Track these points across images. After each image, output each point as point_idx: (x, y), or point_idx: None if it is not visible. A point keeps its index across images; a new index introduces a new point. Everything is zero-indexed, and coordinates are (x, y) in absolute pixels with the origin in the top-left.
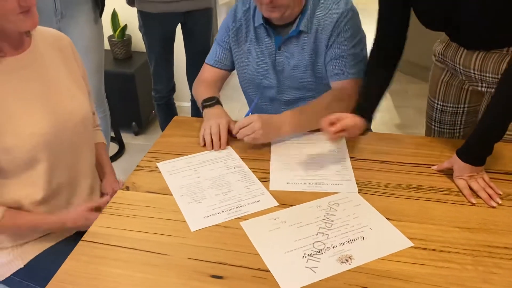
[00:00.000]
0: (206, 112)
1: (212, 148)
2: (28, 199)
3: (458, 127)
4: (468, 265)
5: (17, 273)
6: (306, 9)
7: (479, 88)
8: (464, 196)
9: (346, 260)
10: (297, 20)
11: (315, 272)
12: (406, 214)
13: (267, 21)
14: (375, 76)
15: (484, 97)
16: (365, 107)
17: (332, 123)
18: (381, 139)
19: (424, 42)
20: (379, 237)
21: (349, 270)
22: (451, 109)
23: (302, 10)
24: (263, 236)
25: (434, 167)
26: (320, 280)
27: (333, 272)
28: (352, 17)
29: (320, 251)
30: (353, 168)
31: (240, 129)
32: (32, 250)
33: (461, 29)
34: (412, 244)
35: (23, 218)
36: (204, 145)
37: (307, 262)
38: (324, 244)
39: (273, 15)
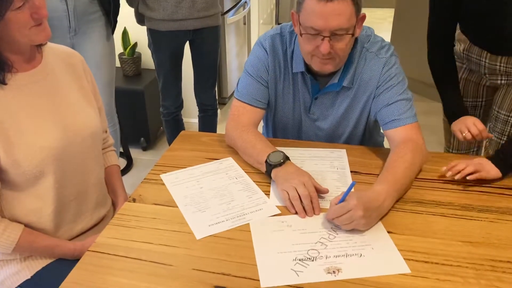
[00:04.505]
0: (280, 170)
1: (305, 215)
2: (38, 213)
3: None
4: (470, 279)
5: (24, 284)
6: (350, 64)
7: (498, 81)
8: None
9: (333, 271)
10: (339, 73)
11: (298, 276)
12: (409, 228)
13: (308, 70)
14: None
15: (499, 90)
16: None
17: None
18: (386, 154)
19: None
20: (376, 257)
21: (349, 281)
22: (470, 103)
23: (345, 64)
24: (265, 234)
25: (448, 172)
26: (303, 283)
27: (315, 280)
28: (395, 62)
29: (312, 259)
30: (357, 182)
31: (336, 217)
32: (40, 261)
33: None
34: (409, 271)
35: (40, 242)
36: (295, 211)
37: (294, 265)
38: (318, 252)
39: (326, 67)
